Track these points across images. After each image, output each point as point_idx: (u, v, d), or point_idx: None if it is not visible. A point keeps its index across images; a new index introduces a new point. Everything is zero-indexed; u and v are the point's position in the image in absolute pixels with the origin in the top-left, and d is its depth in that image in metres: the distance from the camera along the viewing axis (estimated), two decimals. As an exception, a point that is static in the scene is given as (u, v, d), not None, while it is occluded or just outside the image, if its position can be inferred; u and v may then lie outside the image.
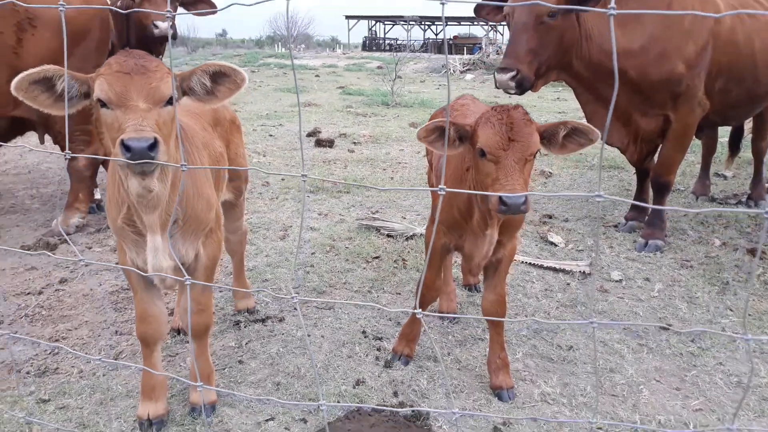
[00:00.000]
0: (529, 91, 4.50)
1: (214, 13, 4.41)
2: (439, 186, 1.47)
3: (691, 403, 2.93)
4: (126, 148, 1.86)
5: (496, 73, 4.52)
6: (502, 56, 4.82)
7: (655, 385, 3.08)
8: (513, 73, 4.33)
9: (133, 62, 1.99)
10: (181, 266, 2.17)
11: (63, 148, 5.22)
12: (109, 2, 5.34)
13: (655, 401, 2.93)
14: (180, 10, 5.54)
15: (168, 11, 1.67)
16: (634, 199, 5.42)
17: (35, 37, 4.60)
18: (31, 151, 8.39)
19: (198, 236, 2.52)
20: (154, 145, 1.88)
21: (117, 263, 4.34)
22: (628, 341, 3.46)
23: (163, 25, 5.17)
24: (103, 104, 1.99)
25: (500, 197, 2.22)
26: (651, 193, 5.30)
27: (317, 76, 21.93)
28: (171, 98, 2.04)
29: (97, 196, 5.78)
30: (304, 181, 1.32)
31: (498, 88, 4.57)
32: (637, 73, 4.51)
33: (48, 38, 4.66)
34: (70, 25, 4.45)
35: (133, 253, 2.43)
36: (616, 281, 4.27)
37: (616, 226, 5.37)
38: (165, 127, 2.00)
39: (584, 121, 4.10)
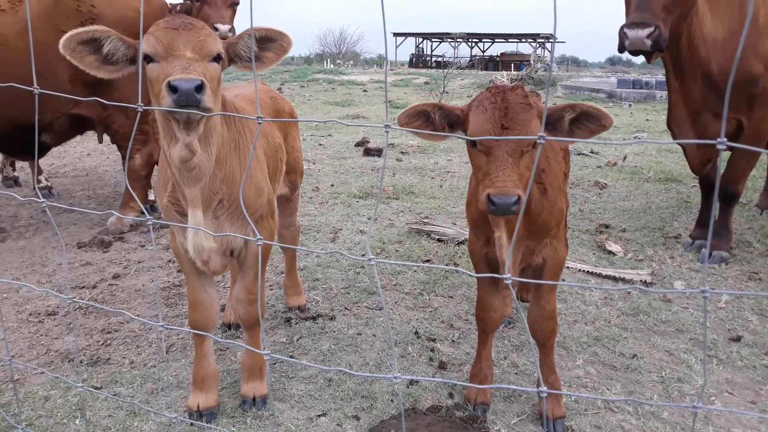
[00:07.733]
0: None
1: None
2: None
3: (769, 417, 2.73)
4: (172, 89, 1.80)
5: (625, 29, 3.86)
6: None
7: (727, 397, 2.89)
8: (651, 29, 3.75)
9: (180, 21, 1.99)
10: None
11: (120, 148, 5.32)
12: (169, 5, 5.46)
13: (729, 414, 2.74)
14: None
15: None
16: (699, 216, 5.06)
17: None
18: (89, 155, 8.64)
19: (247, 222, 2.47)
20: (201, 87, 1.82)
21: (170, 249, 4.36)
22: (696, 351, 3.27)
23: (223, 28, 5.25)
24: (150, 60, 1.96)
25: (488, 196, 1.90)
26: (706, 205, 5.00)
27: (365, 90, 22.05)
28: (218, 56, 2.02)
29: (151, 197, 5.86)
30: (387, 132, 1.26)
31: (624, 51, 3.95)
32: (718, 68, 4.21)
33: None
34: (130, 26, 4.55)
35: (181, 237, 2.40)
36: (680, 291, 4.06)
37: (676, 237, 5.15)
38: (212, 83, 1.95)
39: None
